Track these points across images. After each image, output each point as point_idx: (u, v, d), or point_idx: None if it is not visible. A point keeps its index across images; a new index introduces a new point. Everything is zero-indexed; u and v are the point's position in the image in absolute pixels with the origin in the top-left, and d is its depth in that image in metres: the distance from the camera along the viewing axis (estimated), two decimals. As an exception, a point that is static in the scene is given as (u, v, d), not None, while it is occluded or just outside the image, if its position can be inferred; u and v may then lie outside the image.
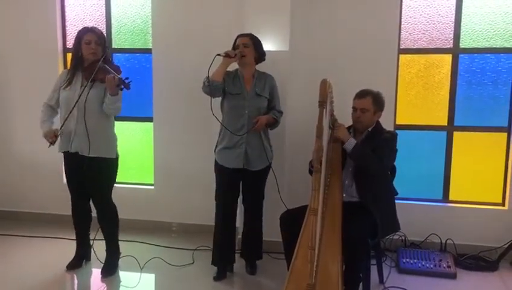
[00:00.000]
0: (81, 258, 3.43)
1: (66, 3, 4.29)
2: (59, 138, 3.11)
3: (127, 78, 2.94)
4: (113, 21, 4.23)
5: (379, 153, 2.86)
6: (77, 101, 3.01)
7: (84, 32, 3.11)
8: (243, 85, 3.17)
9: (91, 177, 3.16)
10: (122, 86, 2.93)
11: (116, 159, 3.25)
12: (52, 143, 3.07)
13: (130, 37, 4.21)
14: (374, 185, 2.93)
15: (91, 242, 3.44)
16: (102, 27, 4.22)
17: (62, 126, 3.08)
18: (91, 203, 3.34)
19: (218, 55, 3.04)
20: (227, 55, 3.07)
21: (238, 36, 3.20)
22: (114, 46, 4.26)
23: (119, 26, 4.24)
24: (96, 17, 4.26)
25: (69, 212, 3.35)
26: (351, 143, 2.87)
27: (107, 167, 3.19)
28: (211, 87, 3.03)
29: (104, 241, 3.33)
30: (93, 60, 3.07)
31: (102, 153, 3.13)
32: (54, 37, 4.24)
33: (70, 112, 3.04)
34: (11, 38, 4.30)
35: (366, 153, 2.86)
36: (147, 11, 4.15)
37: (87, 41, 3.07)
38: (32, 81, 4.29)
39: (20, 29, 4.26)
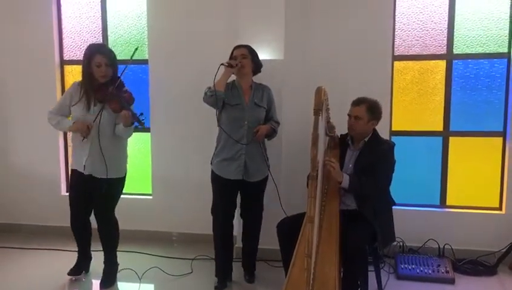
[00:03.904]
0: (80, 268, 3.43)
1: (63, 16, 4.32)
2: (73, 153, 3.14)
3: (141, 114, 2.99)
4: (109, 32, 4.25)
5: (376, 168, 2.86)
6: (96, 123, 3.02)
7: (94, 53, 3.03)
8: (241, 96, 3.16)
9: (100, 195, 3.15)
10: (137, 123, 3.00)
11: (125, 176, 3.26)
12: (85, 137, 3.05)
13: (127, 48, 4.23)
14: (373, 198, 2.92)
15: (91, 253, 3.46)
16: (98, 39, 4.26)
17: (95, 119, 3.03)
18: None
19: (222, 64, 3.04)
20: (229, 64, 3.06)
21: (236, 47, 3.18)
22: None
23: (116, 38, 4.26)
24: (93, 28, 4.29)
25: (68, 223, 3.34)
26: (346, 180, 2.83)
27: (117, 185, 3.21)
28: (217, 97, 3.00)
29: (100, 252, 3.33)
30: (104, 81, 3.05)
31: (116, 174, 3.16)
32: (51, 49, 4.26)
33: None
34: (8, 50, 4.32)
35: (362, 183, 2.84)
36: (143, 22, 4.17)
37: (97, 64, 3.02)
38: (30, 93, 4.31)
39: (17, 41, 4.29)
